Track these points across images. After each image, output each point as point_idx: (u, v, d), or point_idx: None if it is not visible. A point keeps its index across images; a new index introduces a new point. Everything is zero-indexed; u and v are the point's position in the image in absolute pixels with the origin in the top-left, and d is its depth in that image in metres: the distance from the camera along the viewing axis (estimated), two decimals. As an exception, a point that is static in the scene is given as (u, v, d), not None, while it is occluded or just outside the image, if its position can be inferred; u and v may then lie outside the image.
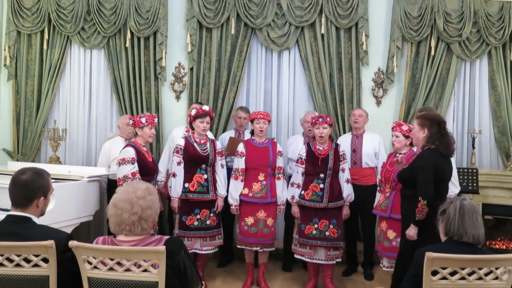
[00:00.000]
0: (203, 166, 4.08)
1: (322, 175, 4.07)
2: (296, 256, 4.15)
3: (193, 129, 4.15)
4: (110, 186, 4.44)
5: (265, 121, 4.17)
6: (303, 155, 4.16)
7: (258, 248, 4.14)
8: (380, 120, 5.23)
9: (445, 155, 3.13)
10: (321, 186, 4.06)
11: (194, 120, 4.08)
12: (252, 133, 4.27)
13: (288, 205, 4.29)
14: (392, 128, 3.88)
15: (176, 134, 4.71)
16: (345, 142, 4.62)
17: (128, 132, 4.56)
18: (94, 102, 5.39)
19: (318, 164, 4.07)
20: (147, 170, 3.74)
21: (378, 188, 4.03)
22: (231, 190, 4.15)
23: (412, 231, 3.14)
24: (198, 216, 4.06)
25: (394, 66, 5.17)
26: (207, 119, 4.06)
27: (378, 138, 4.66)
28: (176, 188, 4.04)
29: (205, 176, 4.07)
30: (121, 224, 2.01)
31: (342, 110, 5.24)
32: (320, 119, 4.08)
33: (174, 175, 4.06)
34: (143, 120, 3.78)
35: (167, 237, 2.06)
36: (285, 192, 4.17)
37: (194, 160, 4.05)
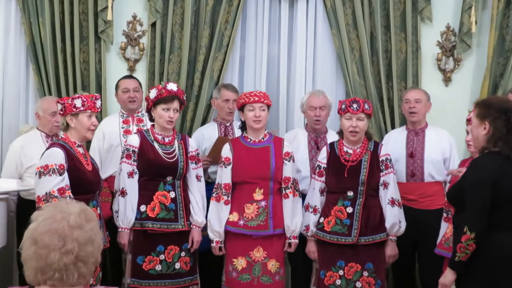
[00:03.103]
0: (169, 179, 4.09)
1: (350, 194, 4.08)
2: (314, 320, 4.22)
3: (152, 120, 4.15)
4: (21, 208, 4.48)
5: (262, 106, 4.15)
6: (323, 161, 4.18)
7: (255, 306, 4.16)
8: (449, 107, 5.24)
9: None
10: (349, 210, 4.06)
11: (155, 107, 4.09)
12: (244, 127, 4.25)
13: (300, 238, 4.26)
14: (468, 120, 3.89)
15: (107, 127, 4.74)
16: (396, 141, 4.66)
17: (54, 125, 4.58)
18: (-1, 77, 5.39)
19: (343, 176, 4.08)
20: (85, 185, 3.76)
21: (444, 215, 3.99)
22: (211, 218, 4.17)
23: (448, 278, 3.16)
24: (162, 257, 4.07)
25: (471, 23, 5.14)
26: (175, 104, 4.07)
27: (448, 137, 4.68)
28: (126, 213, 4.04)
29: (172, 195, 4.10)
30: (47, 270, 1.94)
31: (389, 91, 5.23)
32: (355, 105, 4.07)
33: (123, 192, 4.06)
34: (78, 103, 3.76)
35: (115, 289, 2.07)
36: (298, 218, 4.18)
37: (155, 170, 4.08)
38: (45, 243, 1.94)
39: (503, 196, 3.08)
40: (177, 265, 4.08)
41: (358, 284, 4.02)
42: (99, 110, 3.90)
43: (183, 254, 4.10)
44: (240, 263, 4.11)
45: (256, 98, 4.14)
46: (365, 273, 4.03)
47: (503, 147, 3.11)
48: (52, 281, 1.95)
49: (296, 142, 4.69)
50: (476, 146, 3.31)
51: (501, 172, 3.09)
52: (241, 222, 4.11)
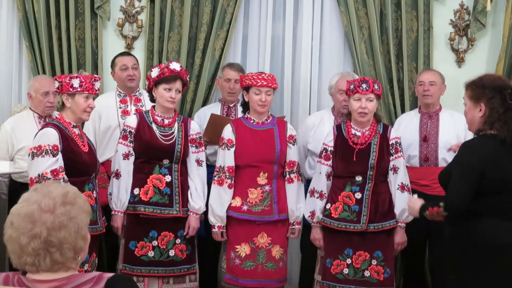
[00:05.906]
0: (165, 162, 4.12)
1: (359, 178, 4.08)
2: (319, 309, 4.19)
3: (153, 100, 4.16)
4: (13, 190, 4.51)
5: (268, 90, 4.15)
6: (330, 144, 4.16)
7: (258, 294, 4.18)
8: (462, 89, 5.05)
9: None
10: (358, 196, 4.06)
11: (156, 87, 4.09)
12: (246, 107, 4.25)
13: (305, 226, 4.29)
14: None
15: (103, 108, 4.67)
16: (409, 125, 4.69)
17: (46, 106, 4.57)
18: (-10, 55, 5.33)
19: (352, 160, 4.06)
20: (80, 167, 3.77)
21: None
22: (213, 203, 4.17)
23: (415, 210, 3.29)
24: (155, 243, 4.09)
25: (486, 1, 5.09)
26: (177, 85, 4.07)
27: (464, 120, 4.59)
28: (120, 195, 4.07)
29: (168, 179, 4.12)
30: (20, 254, 1.95)
31: (399, 72, 5.23)
32: (364, 85, 4.06)
33: (117, 174, 4.09)
34: (76, 83, 3.76)
35: (110, 275, 2.03)
36: (301, 203, 4.21)
37: (151, 152, 4.11)
38: (16, 226, 1.95)
39: (494, 182, 3.07)
40: (172, 252, 4.10)
41: (367, 273, 4.03)
42: (97, 92, 3.91)
43: (178, 241, 4.12)
44: (244, 249, 4.14)
45: (264, 83, 4.12)
46: (374, 262, 4.05)
47: (500, 128, 3.09)
48: (28, 266, 1.95)
49: (321, 125, 4.68)
50: (472, 129, 3.31)
51: (493, 157, 3.08)
52: (245, 208, 4.14)
